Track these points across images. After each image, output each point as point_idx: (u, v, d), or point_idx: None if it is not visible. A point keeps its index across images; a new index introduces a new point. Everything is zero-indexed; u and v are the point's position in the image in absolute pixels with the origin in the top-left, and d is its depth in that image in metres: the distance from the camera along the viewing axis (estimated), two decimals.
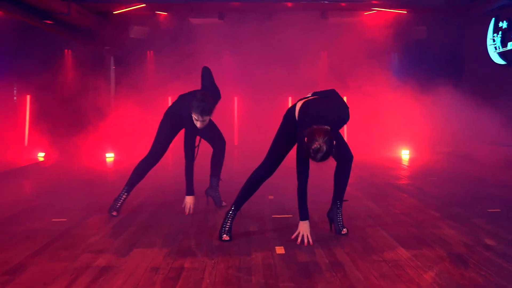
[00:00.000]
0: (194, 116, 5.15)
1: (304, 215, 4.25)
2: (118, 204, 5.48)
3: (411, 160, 10.50)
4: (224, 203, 5.83)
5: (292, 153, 4.47)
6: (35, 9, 9.49)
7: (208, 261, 3.83)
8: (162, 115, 5.63)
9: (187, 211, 5.30)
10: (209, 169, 5.85)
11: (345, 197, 4.70)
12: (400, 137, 11.26)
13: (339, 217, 4.62)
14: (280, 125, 4.59)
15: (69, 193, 6.91)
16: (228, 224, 4.50)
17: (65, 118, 11.64)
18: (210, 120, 5.61)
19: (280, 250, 4.12)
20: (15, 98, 11.59)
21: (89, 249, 4.20)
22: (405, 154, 11.12)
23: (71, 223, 5.15)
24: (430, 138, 11.07)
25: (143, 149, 11.10)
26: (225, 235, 4.44)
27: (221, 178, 5.87)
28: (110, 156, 10.86)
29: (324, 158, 3.90)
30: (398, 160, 10.47)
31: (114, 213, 5.45)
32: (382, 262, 3.77)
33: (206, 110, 5.11)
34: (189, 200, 5.30)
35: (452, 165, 9.52)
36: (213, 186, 5.84)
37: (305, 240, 4.22)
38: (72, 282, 3.40)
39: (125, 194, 5.52)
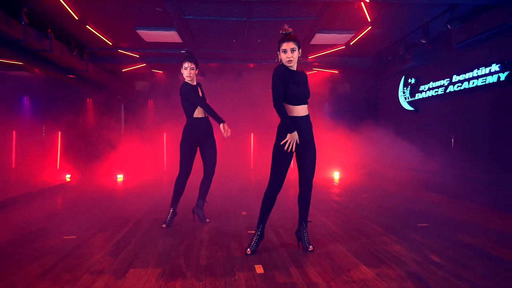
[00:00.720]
0: (184, 65, 4.51)
1: (292, 129, 3.46)
2: (168, 219, 4.68)
3: (341, 179, 9.76)
4: (207, 220, 4.96)
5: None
6: (60, 67, 8.52)
7: (196, 283, 2.93)
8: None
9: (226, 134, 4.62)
10: (197, 192, 4.96)
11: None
12: (334, 162, 10.60)
13: (305, 235, 3.79)
14: (275, 144, 3.62)
15: (84, 210, 5.81)
16: (254, 240, 3.67)
17: (86, 148, 10.99)
18: (214, 146, 4.82)
19: (259, 269, 3.24)
20: (43, 134, 10.80)
21: (90, 270, 3.22)
22: (336, 175, 10.42)
23: (80, 240, 4.13)
24: (355, 163, 10.49)
25: (145, 171, 10.37)
26: (248, 249, 3.63)
27: (206, 200, 5.00)
28: (120, 177, 9.84)
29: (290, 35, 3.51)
30: (332, 180, 9.70)
31: (163, 226, 4.65)
32: (352, 282, 2.94)
33: (191, 57, 4.54)
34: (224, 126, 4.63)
35: (375, 185, 8.75)
36: (199, 206, 4.95)
37: (293, 147, 3.48)
38: None
39: (172, 208, 4.70)
